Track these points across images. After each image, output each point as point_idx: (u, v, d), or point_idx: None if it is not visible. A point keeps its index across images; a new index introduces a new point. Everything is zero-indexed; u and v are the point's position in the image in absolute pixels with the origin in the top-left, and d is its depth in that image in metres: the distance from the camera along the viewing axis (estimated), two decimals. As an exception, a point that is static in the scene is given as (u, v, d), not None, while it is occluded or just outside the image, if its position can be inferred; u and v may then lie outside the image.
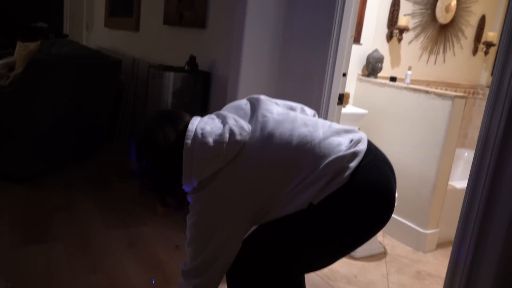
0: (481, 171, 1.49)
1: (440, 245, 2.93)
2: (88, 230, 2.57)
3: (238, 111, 1.39)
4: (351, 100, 3.43)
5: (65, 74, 3.24)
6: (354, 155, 1.23)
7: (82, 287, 1.98)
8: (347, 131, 1.32)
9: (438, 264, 2.70)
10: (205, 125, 1.30)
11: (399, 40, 3.63)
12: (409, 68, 3.44)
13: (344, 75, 2.39)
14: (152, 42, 4.16)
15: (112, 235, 2.54)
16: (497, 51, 2.22)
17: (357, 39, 3.41)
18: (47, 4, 7.13)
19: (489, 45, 4.16)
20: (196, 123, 1.31)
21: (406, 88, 3.03)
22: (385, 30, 3.57)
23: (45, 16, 6.80)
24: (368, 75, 3.46)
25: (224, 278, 1.37)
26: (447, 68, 4.06)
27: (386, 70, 3.60)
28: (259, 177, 1.25)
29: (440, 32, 3.87)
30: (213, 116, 1.38)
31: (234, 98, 2.43)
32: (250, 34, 2.42)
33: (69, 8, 7.05)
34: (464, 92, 4.15)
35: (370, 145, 1.32)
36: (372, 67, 3.43)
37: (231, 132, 1.25)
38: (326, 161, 1.21)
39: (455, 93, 2.73)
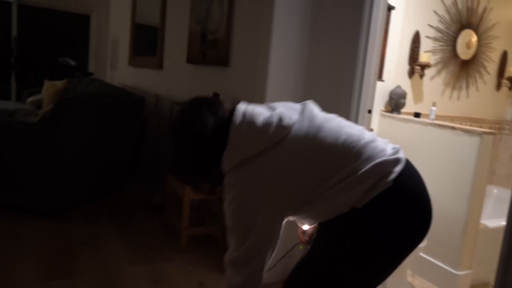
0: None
1: (473, 287, 2.81)
2: (112, 266, 2.55)
3: (287, 106, 1.40)
4: (374, 135, 3.41)
5: (91, 112, 3.33)
6: (397, 161, 1.24)
7: (106, 325, 1.95)
8: (387, 142, 1.35)
9: None
10: (254, 108, 1.33)
11: (421, 76, 3.64)
12: (434, 104, 3.43)
13: (370, 111, 2.40)
14: (175, 80, 4.27)
15: (136, 271, 2.52)
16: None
17: (379, 76, 3.44)
18: (73, 42, 7.45)
19: (512, 80, 4.14)
20: (245, 106, 1.34)
21: (431, 124, 3.01)
22: (406, 67, 3.60)
23: (71, 55, 7.09)
24: (391, 111, 3.46)
25: None
26: (471, 103, 4.03)
27: (409, 106, 3.60)
28: (303, 163, 1.26)
29: (462, 68, 3.88)
30: (262, 105, 1.39)
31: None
32: (274, 73, 2.46)
33: (95, 46, 7.34)
34: (490, 127, 4.10)
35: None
36: (395, 103, 3.43)
37: (280, 117, 1.28)
38: (372, 163, 1.22)
39: (483, 130, 2.69)
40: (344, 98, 2.35)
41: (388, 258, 1.29)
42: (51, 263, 2.49)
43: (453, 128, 2.84)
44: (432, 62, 3.62)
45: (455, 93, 3.92)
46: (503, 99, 4.26)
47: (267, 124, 1.27)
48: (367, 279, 1.32)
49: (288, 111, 1.32)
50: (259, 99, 2.46)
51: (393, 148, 1.31)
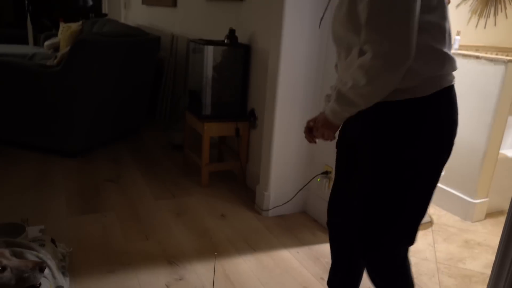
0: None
1: (489, 215, 2.85)
2: (137, 200, 2.68)
3: None
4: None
5: (109, 52, 3.32)
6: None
7: (136, 252, 2.09)
8: None
9: (488, 233, 2.63)
10: None
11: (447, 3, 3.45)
12: (458, 33, 3.28)
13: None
14: (190, 17, 4.17)
15: (160, 205, 2.64)
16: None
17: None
18: (86, -17, 7.27)
19: (545, 5, 3.88)
20: None
21: (455, 54, 2.89)
22: (430, -6, 3.40)
23: (85, -4, 6.95)
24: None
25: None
26: (498, 32, 3.83)
27: (432, 35, 3.45)
28: None
29: (491, -7, 3.65)
30: None
31: (275, 71, 2.42)
32: (290, 4, 2.37)
33: (108, -13, 7.15)
34: (516, 56, 3.92)
35: None
36: (416, 33, 3.29)
37: None
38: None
39: (508, 58, 2.59)
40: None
41: (441, 163, 1.26)
42: (80, 199, 2.63)
43: (477, 57, 2.73)
44: (458, -13, 3.41)
45: (482, 22, 3.72)
46: (533, 26, 4.03)
47: None
48: (423, 195, 1.28)
49: None
50: (275, 32, 2.40)
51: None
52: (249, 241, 2.29)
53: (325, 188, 2.48)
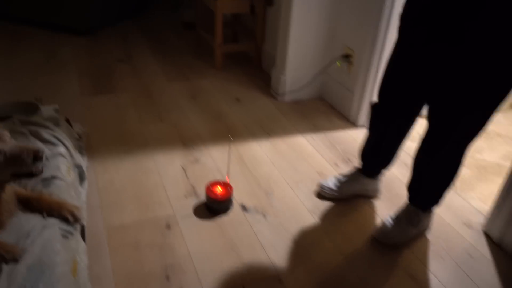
0: None
1: (513, 106, 2.75)
2: (150, 82, 2.61)
3: None
4: None
5: None
6: None
7: (151, 133, 2.09)
8: None
9: (510, 125, 2.56)
10: None
11: None
12: None
13: None
14: None
15: (173, 87, 2.57)
16: None
17: None
18: None
19: None
20: None
21: None
22: None
23: None
24: None
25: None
26: None
27: None
28: None
29: None
30: None
31: None
32: None
33: None
34: None
35: None
36: None
37: None
38: None
39: None
40: None
41: None
42: (93, 79, 2.56)
43: None
44: None
45: None
46: None
47: None
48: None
49: None
50: None
51: None
52: (264, 125, 2.26)
53: (344, 73, 2.35)
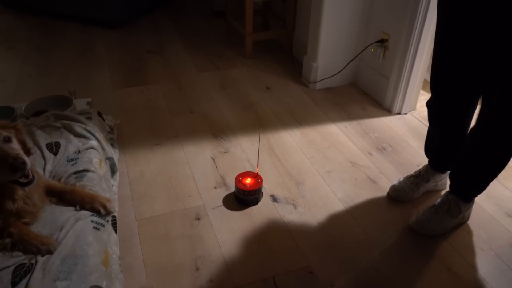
0: None
1: None
2: (181, 72, 2.61)
3: None
4: None
5: None
6: None
7: (182, 124, 2.09)
8: None
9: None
10: None
11: None
12: None
13: None
14: None
15: (204, 77, 2.57)
16: None
17: None
18: None
19: None
20: None
21: None
22: None
23: None
24: None
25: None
26: None
27: None
28: None
29: None
30: None
31: None
32: None
33: None
34: None
35: None
36: None
37: None
38: None
39: None
40: None
41: None
42: (125, 71, 2.60)
43: None
44: None
45: None
46: None
47: None
48: None
49: None
50: None
51: None
52: (295, 114, 2.22)
53: (379, 58, 2.26)
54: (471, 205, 1.54)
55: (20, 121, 1.76)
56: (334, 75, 2.45)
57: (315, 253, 1.41)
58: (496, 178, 1.54)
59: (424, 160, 1.87)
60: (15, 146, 1.13)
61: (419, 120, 2.19)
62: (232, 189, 1.68)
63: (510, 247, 1.45)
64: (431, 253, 1.43)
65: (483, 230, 1.52)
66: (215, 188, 1.69)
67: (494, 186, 1.71)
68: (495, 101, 1.24)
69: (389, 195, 1.68)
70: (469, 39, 1.26)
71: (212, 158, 1.86)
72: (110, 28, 3.18)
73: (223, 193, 1.67)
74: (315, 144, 1.98)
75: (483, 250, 1.44)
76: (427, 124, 2.13)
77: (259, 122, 2.14)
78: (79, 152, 1.56)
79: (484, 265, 1.38)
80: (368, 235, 1.49)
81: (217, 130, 2.06)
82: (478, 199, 1.63)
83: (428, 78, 2.55)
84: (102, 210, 1.30)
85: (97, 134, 1.68)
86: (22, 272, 1.08)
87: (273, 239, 1.46)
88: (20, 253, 1.13)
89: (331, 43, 2.36)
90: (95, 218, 1.28)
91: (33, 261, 1.11)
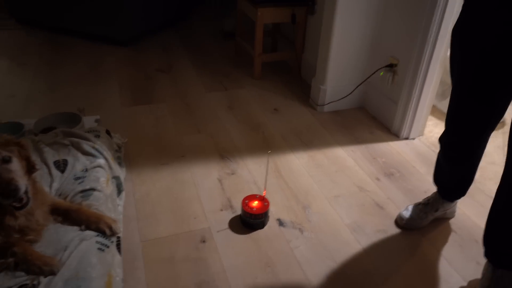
0: None
1: None
2: (189, 92, 2.62)
3: None
4: None
5: None
6: None
7: (188, 145, 2.09)
8: None
9: None
10: None
11: None
12: None
13: None
14: None
15: (211, 97, 2.58)
16: None
17: None
18: None
19: None
20: None
21: None
22: None
23: None
24: None
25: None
26: None
27: None
28: None
29: None
30: None
31: None
32: None
33: None
34: None
35: None
36: None
37: None
38: None
39: None
40: None
41: None
42: (133, 89, 2.61)
43: None
44: None
45: None
46: None
47: None
48: None
49: None
50: None
51: None
52: (302, 137, 2.21)
53: (388, 82, 2.26)
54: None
55: (29, 137, 1.77)
56: (342, 98, 2.45)
57: (321, 280, 1.38)
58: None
59: (432, 187, 1.85)
60: (14, 167, 1.10)
61: (427, 146, 2.18)
62: (238, 212, 1.66)
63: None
64: (438, 279, 1.40)
65: None
66: (221, 210, 1.67)
67: None
68: None
69: (397, 222, 1.65)
70: (488, 74, 1.20)
71: (218, 180, 1.85)
72: (120, 46, 3.21)
73: (229, 215, 1.65)
74: (323, 168, 1.96)
75: None
76: (435, 151, 2.13)
77: (266, 144, 2.13)
78: (87, 170, 1.55)
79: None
80: (375, 264, 1.47)
81: (224, 151, 2.05)
82: None
83: (438, 105, 2.55)
84: (107, 231, 1.28)
85: (105, 153, 1.68)
86: (24, 294, 1.06)
87: (279, 265, 1.44)
88: (22, 273, 1.11)
89: (340, 66, 2.37)
90: (100, 239, 1.26)
91: (35, 282, 1.09)
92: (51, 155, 1.60)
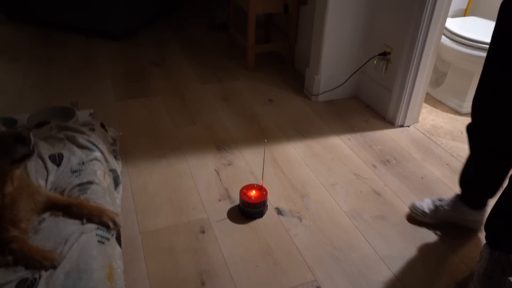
0: None
1: None
2: (183, 84, 2.61)
3: None
4: None
5: None
6: None
7: (184, 136, 2.08)
8: None
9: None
10: None
11: None
12: None
13: None
14: None
15: (206, 89, 2.57)
16: None
17: None
18: None
19: None
20: None
21: None
22: None
23: None
24: None
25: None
26: None
27: None
28: None
29: None
30: None
31: None
32: None
33: None
34: None
35: None
36: None
37: None
38: None
39: None
40: None
41: None
42: (127, 83, 2.59)
43: None
44: None
45: None
46: None
47: None
48: None
49: None
50: None
51: None
52: (298, 127, 2.21)
53: (382, 71, 2.27)
54: None
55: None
56: (336, 87, 2.46)
57: (322, 267, 1.39)
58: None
59: (429, 173, 1.86)
60: None
61: (422, 133, 2.19)
62: (237, 202, 1.67)
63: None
64: (439, 267, 1.41)
65: None
66: (219, 200, 1.67)
67: None
68: None
69: (409, 215, 1.64)
70: None
71: (215, 171, 1.85)
72: (113, 40, 3.18)
73: (227, 205, 1.65)
74: (319, 157, 1.97)
75: None
76: (431, 138, 2.14)
77: (262, 134, 2.13)
78: (83, 163, 1.54)
79: None
80: (375, 249, 1.48)
81: (220, 142, 2.05)
82: None
83: (431, 92, 2.56)
84: (111, 224, 1.28)
85: (100, 146, 1.67)
86: (25, 287, 1.05)
87: (279, 253, 1.44)
88: (22, 268, 1.10)
89: (333, 55, 2.37)
90: (100, 232, 1.26)
91: (36, 276, 1.08)
92: (46, 149, 1.59)
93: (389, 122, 2.28)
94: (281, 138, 2.11)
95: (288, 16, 2.74)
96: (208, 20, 3.69)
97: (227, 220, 1.58)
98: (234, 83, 2.65)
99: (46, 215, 1.26)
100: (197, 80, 2.67)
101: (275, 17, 3.11)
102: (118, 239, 1.34)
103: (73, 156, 1.57)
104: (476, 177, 1.45)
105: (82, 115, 2.14)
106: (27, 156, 1.09)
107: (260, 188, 1.63)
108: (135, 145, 2.00)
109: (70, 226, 1.23)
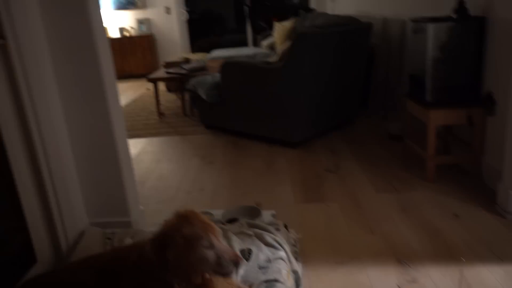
0: None
1: None
2: (358, 192, 2.62)
3: None
4: None
5: (325, 43, 3.36)
6: None
7: (362, 246, 2.03)
8: None
9: None
10: None
11: None
12: None
13: None
14: (406, -3, 3.87)
15: (382, 198, 2.52)
16: None
17: None
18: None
19: None
20: None
21: None
22: None
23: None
24: None
25: None
26: None
27: None
28: None
29: None
30: None
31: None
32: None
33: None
34: None
35: None
36: None
37: None
38: None
39: None
40: None
41: None
42: (304, 187, 2.73)
43: None
44: None
45: None
46: None
47: None
48: None
49: None
50: None
51: None
52: (492, 248, 1.95)
53: None
54: None
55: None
56: None
57: None
58: None
59: None
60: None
61: None
62: (425, 327, 1.49)
63: None
64: None
65: None
66: (405, 321, 1.52)
67: None
68: None
69: None
70: None
71: (398, 286, 1.71)
72: (291, 148, 3.47)
73: (414, 329, 1.48)
74: (525, 287, 1.67)
75: None
76: None
77: (449, 253, 1.93)
78: (270, 261, 1.62)
79: None
80: None
81: (401, 255, 1.93)
82: None
83: None
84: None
85: (284, 246, 1.74)
86: None
87: None
88: None
89: (534, 170, 2.11)
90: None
91: None
92: (238, 243, 1.73)
93: None
94: (472, 259, 1.87)
95: (473, 128, 2.60)
96: (381, 132, 3.76)
97: None
98: (413, 194, 2.54)
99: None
100: (372, 188, 2.66)
101: (455, 127, 2.99)
102: None
103: (260, 253, 1.67)
104: None
105: (265, 215, 2.30)
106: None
107: (455, 315, 1.43)
108: (314, 248, 2.02)
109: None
